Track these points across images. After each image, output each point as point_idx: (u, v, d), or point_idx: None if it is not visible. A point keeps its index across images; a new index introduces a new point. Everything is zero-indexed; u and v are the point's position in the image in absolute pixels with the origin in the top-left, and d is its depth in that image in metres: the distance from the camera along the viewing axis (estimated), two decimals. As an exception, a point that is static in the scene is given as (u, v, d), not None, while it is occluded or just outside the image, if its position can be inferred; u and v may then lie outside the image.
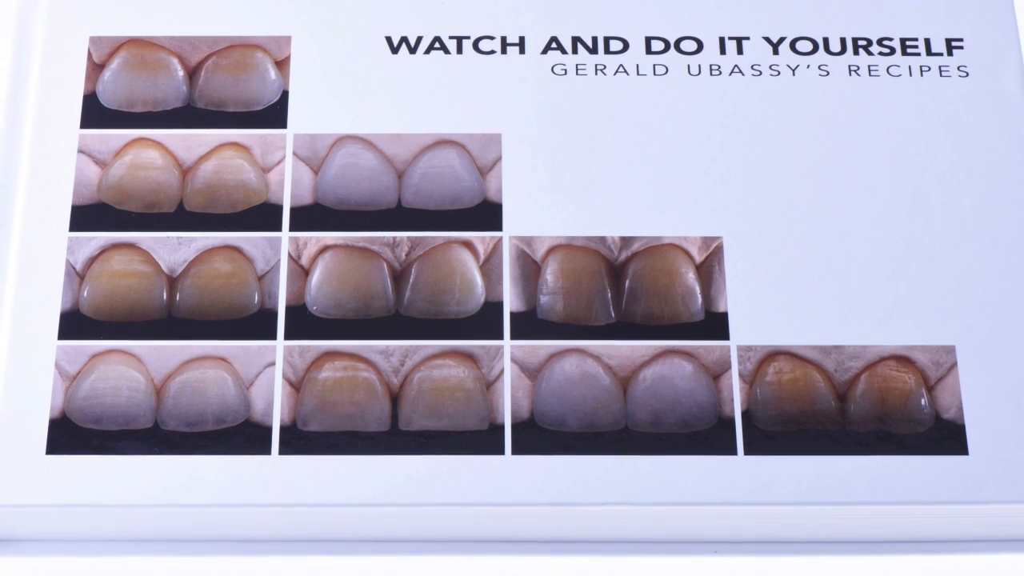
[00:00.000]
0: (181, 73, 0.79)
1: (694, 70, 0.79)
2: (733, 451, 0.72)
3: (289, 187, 0.77)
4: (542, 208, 0.76)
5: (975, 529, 0.72)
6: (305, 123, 0.78)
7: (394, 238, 0.76)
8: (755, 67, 0.79)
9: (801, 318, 0.74)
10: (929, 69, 0.79)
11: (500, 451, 0.72)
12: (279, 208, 0.76)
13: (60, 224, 0.76)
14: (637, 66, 0.79)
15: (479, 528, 0.72)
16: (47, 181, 0.76)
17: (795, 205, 0.76)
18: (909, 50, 0.80)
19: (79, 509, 0.71)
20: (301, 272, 0.75)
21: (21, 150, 0.78)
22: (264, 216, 0.76)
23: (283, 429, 0.72)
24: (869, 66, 0.79)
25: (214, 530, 0.72)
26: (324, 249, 0.76)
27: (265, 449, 0.72)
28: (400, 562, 0.71)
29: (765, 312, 0.74)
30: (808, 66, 0.79)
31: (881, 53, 0.80)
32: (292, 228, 0.76)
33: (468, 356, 0.74)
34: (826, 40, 0.80)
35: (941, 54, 0.80)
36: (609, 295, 0.75)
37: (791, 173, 0.77)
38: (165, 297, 0.75)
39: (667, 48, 0.80)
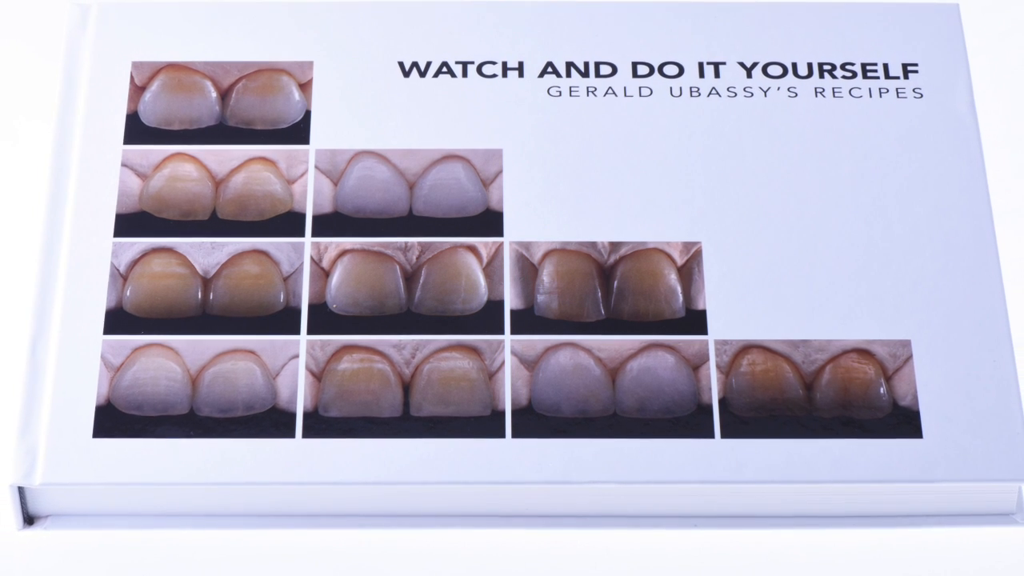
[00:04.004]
0: (214, 94, 0.80)
1: (676, 92, 0.81)
2: (711, 435, 0.73)
3: (311, 197, 0.78)
4: (539, 216, 0.78)
5: (928, 505, 0.74)
6: (326, 140, 0.79)
7: (406, 243, 0.77)
8: (731, 89, 0.81)
9: (772, 315, 0.76)
10: (887, 91, 0.80)
11: (501, 435, 0.73)
12: (302, 216, 0.78)
13: (105, 230, 0.77)
14: (624, 88, 0.81)
15: (482, 504, 0.73)
16: (93, 192, 0.78)
17: (767, 213, 0.78)
18: (869, 74, 0.81)
19: (122, 487, 0.73)
20: (322, 274, 0.77)
21: (70, 164, 0.78)
22: (289, 223, 0.78)
23: (306, 415, 0.74)
24: (833, 88, 0.80)
25: (243, 506, 0.73)
26: (343, 253, 0.77)
27: (290, 433, 0.73)
28: (410, 535, 0.73)
29: (740, 309, 0.76)
30: (778, 88, 0.80)
31: (844, 76, 0.81)
32: (314, 234, 0.77)
33: (472, 349, 0.75)
34: (794, 65, 0.81)
35: (898, 77, 0.81)
36: (599, 294, 0.76)
37: (764, 184, 0.78)
38: (200, 296, 0.76)
39: (651, 72, 0.81)
